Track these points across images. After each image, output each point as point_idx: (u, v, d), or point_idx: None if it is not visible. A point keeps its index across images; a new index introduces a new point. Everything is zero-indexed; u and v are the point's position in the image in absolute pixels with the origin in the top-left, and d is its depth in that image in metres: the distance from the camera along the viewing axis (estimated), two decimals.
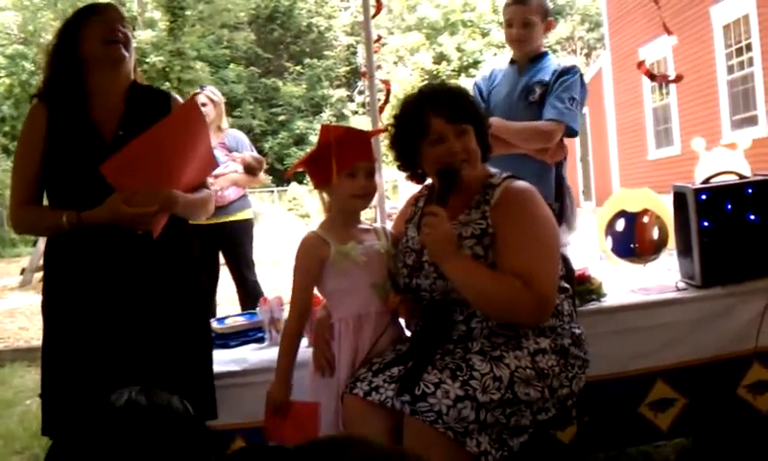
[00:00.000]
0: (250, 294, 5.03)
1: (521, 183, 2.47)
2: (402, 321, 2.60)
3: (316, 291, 2.59)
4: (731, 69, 13.24)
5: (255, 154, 5.36)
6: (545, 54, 3.73)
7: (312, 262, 2.50)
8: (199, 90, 5.35)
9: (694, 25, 13.46)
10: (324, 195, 2.57)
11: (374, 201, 3.99)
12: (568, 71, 3.58)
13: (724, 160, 8.38)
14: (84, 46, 2.52)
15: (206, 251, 5.04)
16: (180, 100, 2.78)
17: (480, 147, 2.47)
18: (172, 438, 1.39)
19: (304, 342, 2.72)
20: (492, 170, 2.54)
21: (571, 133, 3.55)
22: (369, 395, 2.30)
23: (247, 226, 5.33)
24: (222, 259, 5.35)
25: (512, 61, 3.77)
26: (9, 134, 25.95)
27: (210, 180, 4.90)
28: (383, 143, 3.93)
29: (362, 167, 2.49)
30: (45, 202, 2.58)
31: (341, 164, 2.45)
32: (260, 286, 5.30)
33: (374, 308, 2.48)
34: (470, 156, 2.45)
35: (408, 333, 2.58)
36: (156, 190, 2.46)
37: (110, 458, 1.33)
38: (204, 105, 5.15)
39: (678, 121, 15.26)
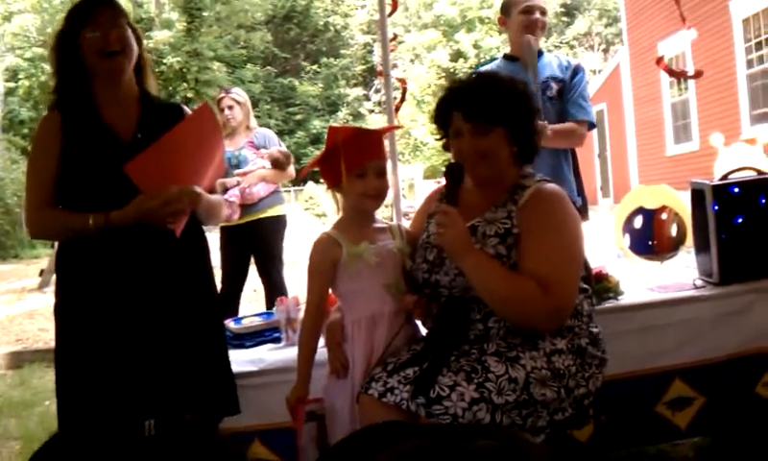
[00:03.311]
0: (275, 293, 5.00)
1: (552, 186, 2.44)
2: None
3: (330, 291, 2.60)
4: (750, 63, 13.14)
5: (284, 149, 5.36)
6: (541, 50, 3.80)
7: (324, 264, 2.50)
8: (223, 94, 5.36)
9: (713, 19, 13.36)
10: (338, 195, 2.58)
11: (390, 199, 3.99)
12: (579, 69, 3.73)
13: (743, 156, 8.29)
14: (84, 57, 2.52)
15: (238, 251, 5.06)
16: (189, 112, 2.78)
17: (518, 146, 2.43)
18: None
19: (321, 342, 2.72)
20: (528, 171, 2.52)
21: (594, 126, 3.77)
22: (384, 396, 2.29)
23: (278, 222, 5.30)
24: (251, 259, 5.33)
25: (511, 58, 3.79)
26: (28, 137, 26.17)
27: (238, 178, 4.95)
28: (399, 141, 3.94)
29: (372, 167, 2.48)
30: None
31: (350, 165, 2.45)
32: (286, 286, 5.27)
33: (388, 309, 2.48)
34: (486, 156, 2.41)
35: (424, 332, 2.58)
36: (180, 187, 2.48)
37: None
38: (230, 107, 5.16)
39: (696, 116, 15.16)
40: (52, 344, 2.69)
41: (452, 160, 2.47)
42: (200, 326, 2.62)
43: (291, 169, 5.29)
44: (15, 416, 5.08)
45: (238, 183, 5.00)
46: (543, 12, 3.71)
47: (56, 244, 3.15)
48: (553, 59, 3.79)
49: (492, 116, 2.40)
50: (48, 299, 10.77)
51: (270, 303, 5.07)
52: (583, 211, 3.69)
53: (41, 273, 12.90)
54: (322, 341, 2.67)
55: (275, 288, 5.15)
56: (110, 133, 2.54)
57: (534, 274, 2.26)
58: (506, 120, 2.40)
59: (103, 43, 2.50)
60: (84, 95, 2.54)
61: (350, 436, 1.76)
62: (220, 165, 2.73)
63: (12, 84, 29.08)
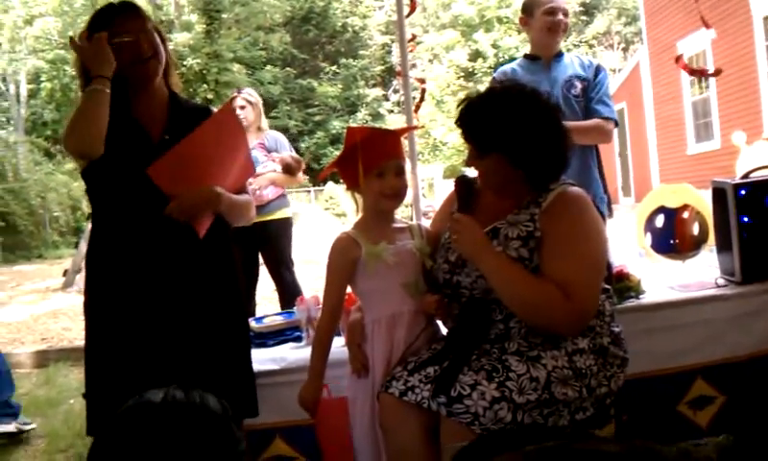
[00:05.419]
0: (289, 293, 5.04)
1: (576, 190, 2.43)
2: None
3: (350, 290, 2.61)
4: None
5: (294, 154, 5.37)
6: (561, 51, 3.84)
7: (343, 263, 2.51)
8: (236, 93, 5.38)
9: (734, 17, 13.25)
10: (357, 195, 2.59)
11: (409, 199, 4.00)
12: (601, 68, 3.78)
13: (765, 154, 8.21)
14: (117, 64, 2.52)
15: (246, 251, 5.08)
16: None
17: (523, 170, 2.37)
18: (208, 435, 1.41)
19: (341, 341, 2.73)
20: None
21: (617, 125, 3.82)
22: (404, 394, 2.30)
23: (285, 225, 5.34)
24: (261, 259, 5.37)
25: (533, 58, 3.81)
26: (50, 138, 26.40)
27: (249, 179, 4.96)
28: (418, 141, 3.96)
29: (390, 166, 2.49)
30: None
31: (368, 165, 2.46)
32: (299, 286, 5.30)
33: (408, 308, 2.49)
34: (483, 176, 2.46)
35: (444, 331, 2.58)
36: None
37: (149, 453, 1.36)
38: (242, 107, 5.18)
39: (718, 115, 15.03)
40: (76, 343, 2.73)
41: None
42: (225, 327, 2.64)
43: (300, 175, 5.32)
44: (41, 414, 5.13)
45: (249, 184, 5.02)
46: (566, 14, 3.74)
47: (82, 244, 3.16)
48: (574, 58, 3.82)
49: (484, 144, 2.40)
50: (72, 298, 10.87)
51: (284, 303, 5.10)
52: (608, 209, 3.74)
53: (65, 273, 13.00)
54: (341, 340, 2.69)
55: (288, 289, 5.18)
56: (142, 130, 2.57)
57: (556, 278, 2.25)
58: (500, 148, 2.36)
59: (136, 50, 2.53)
60: (116, 92, 2.54)
61: (474, 442, 1.76)
62: (246, 165, 2.76)
63: (34, 87, 29.34)
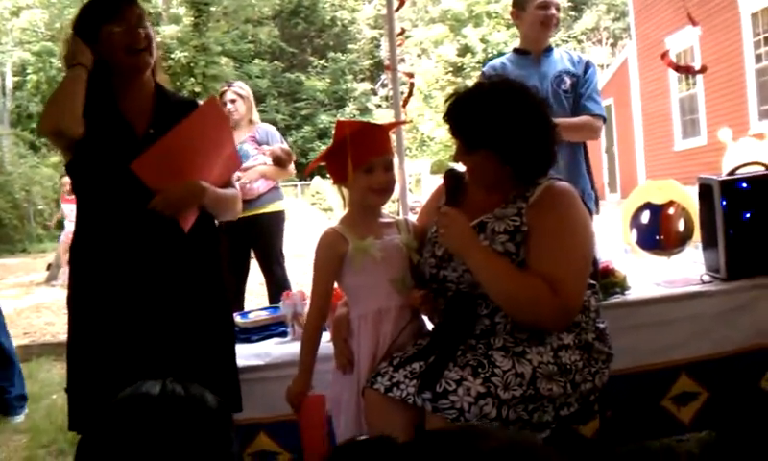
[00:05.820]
0: (278, 288, 5.01)
1: (563, 184, 2.42)
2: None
3: (336, 286, 2.60)
4: (759, 58, 13.07)
5: (285, 146, 5.35)
6: (550, 46, 3.83)
7: (330, 259, 2.50)
8: (226, 87, 5.35)
9: (722, 13, 13.30)
10: (344, 190, 2.57)
11: (397, 194, 3.99)
12: (591, 64, 3.78)
13: (751, 151, 8.24)
14: (106, 53, 2.51)
15: (238, 245, 5.06)
16: None
17: (511, 167, 2.36)
18: (206, 431, 1.40)
19: (327, 336, 2.72)
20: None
21: (605, 121, 3.84)
22: (390, 390, 2.29)
23: (277, 218, 5.30)
24: (252, 253, 5.34)
25: (522, 52, 3.80)
26: (35, 131, 26.23)
27: (239, 173, 4.93)
28: (406, 136, 3.95)
29: (379, 161, 2.47)
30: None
31: (357, 160, 2.44)
32: (289, 280, 5.27)
33: (394, 303, 2.47)
34: (471, 172, 2.46)
35: (430, 326, 2.57)
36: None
37: (145, 446, 1.34)
38: (233, 101, 5.15)
39: (704, 111, 15.09)
40: (59, 337, 2.71)
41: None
42: (209, 321, 2.63)
43: (291, 167, 5.28)
44: None
45: (238, 179, 4.99)
46: (558, 8, 3.75)
47: (63, 236, 3.13)
48: (563, 53, 3.82)
49: (472, 140, 2.39)
50: (55, 293, 10.82)
51: (273, 298, 5.06)
52: (595, 205, 3.75)
53: (49, 267, 12.95)
54: (327, 335, 2.68)
55: (277, 283, 5.14)
56: (127, 124, 2.55)
57: (542, 272, 2.25)
58: (489, 144, 2.35)
59: (131, 40, 2.52)
60: (102, 85, 2.53)
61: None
62: (232, 158, 2.74)
63: (20, 79, 29.16)
